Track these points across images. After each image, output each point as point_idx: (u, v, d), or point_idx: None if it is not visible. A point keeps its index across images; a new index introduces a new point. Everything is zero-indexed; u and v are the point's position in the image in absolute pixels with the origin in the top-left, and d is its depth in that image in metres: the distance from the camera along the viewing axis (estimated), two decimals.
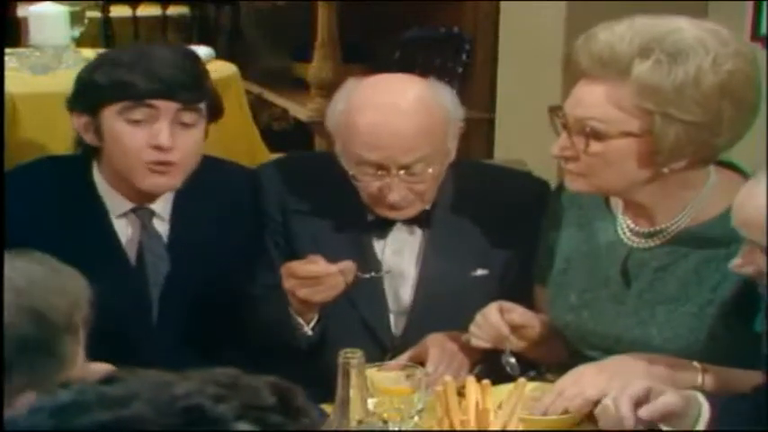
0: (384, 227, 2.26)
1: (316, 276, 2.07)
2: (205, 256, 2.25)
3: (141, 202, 2.21)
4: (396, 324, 2.29)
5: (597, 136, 1.92)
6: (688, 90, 1.86)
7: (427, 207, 2.26)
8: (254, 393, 0.88)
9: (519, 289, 2.25)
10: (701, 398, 1.77)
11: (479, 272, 2.27)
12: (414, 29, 4.79)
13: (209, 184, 2.24)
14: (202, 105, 2.16)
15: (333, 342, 2.20)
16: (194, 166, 2.18)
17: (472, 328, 2.06)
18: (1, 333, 1.23)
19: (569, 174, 1.99)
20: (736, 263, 1.75)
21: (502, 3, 4.11)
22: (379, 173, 2.15)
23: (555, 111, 1.99)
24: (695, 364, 1.92)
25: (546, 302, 2.18)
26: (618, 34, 1.91)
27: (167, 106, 2.10)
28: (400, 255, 2.28)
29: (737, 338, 1.94)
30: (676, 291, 1.99)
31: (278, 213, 2.31)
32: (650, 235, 2.04)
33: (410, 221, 2.27)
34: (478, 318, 2.06)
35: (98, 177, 2.22)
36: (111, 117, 2.12)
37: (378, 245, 2.27)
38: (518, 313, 2.06)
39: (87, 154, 2.21)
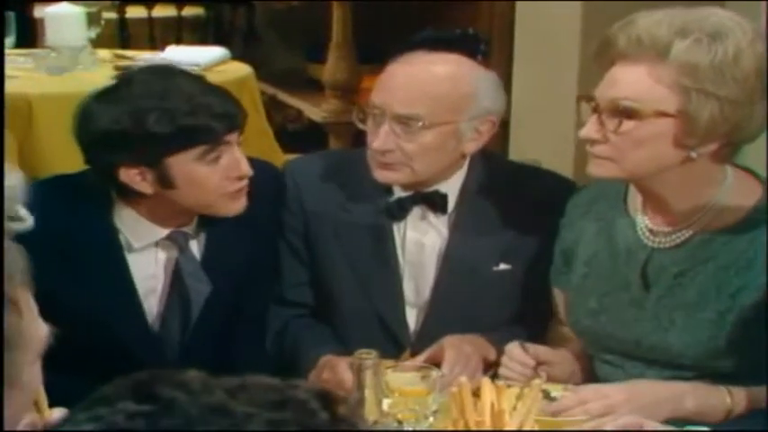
0: (400, 209, 2.27)
1: (343, 385, 2.03)
2: (237, 270, 2.22)
3: (177, 227, 2.16)
4: (415, 317, 2.30)
5: (631, 115, 1.91)
6: (727, 68, 1.87)
7: (442, 190, 2.26)
8: (307, 411, 0.84)
9: (541, 287, 2.25)
10: None
11: (502, 266, 2.27)
12: (428, 29, 4.79)
13: None
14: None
15: (348, 336, 2.21)
16: None
17: (501, 369, 2.06)
18: (1, 334, 1.23)
19: (596, 159, 1.97)
20: None
21: (517, 2, 4.10)
22: (381, 119, 2.18)
23: (584, 98, 1.99)
24: (721, 388, 1.92)
25: (564, 306, 2.18)
26: (656, 18, 1.92)
27: (234, 137, 2.09)
28: (420, 245, 2.28)
29: (757, 346, 1.93)
30: (695, 297, 1.98)
31: (298, 212, 2.32)
32: (669, 234, 2.03)
33: (425, 204, 2.27)
34: (503, 358, 2.06)
35: (125, 209, 2.13)
36: (184, 163, 2.04)
37: (398, 232, 2.28)
38: (542, 350, 2.07)
39: (108, 188, 2.11)
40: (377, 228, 2.28)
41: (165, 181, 2.05)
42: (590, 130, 1.96)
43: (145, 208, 2.12)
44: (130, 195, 2.10)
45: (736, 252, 1.95)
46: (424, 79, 2.19)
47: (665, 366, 1.99)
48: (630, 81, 1.92)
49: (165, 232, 2.15)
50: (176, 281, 2.17)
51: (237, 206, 2.13)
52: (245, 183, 2.11)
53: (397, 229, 2.29)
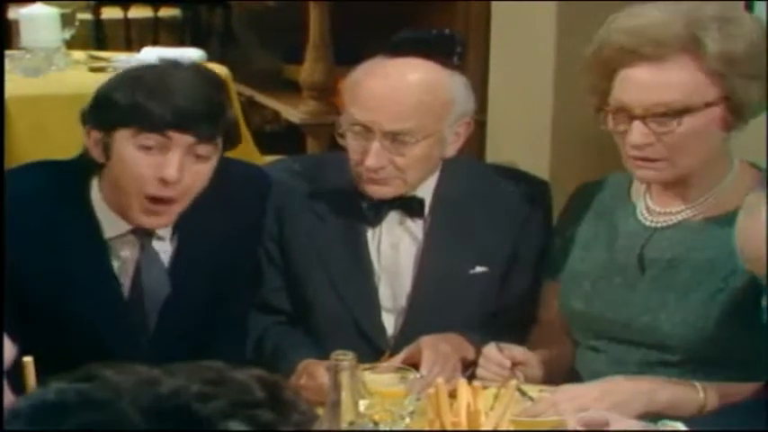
0: (377, 214, 2.26)
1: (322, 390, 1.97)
2: (211, 275, 2.18)
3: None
4: (393, 323, 2.29)
5: (683, 113, 1.95)
6: (756, 48, 1.95)
7: (419, 195, 2.27)
8: (242, 389, 0.85)
9: (518, 288, 2.26)
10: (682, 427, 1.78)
11: (478, 269, 2.27)
12: (405, 30, 4.79)
13: (216, 190, 2.10)
14: (219, 138, 2.06)
15: (326, 342, 2.21)
16: (192, 200, 2.08)
17: (478, 370, 2.06)
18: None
19: (647, 163, 2.00)
20: None
21: (492, 3, 4.10)
22: (366, 136, 2.18)
23: (612, 110, 1.99)
24: (696, 384, 1.93)
25: (556, 295, 2.19)
26: (659, 15, 1.96)
27: (182, 138, 1.99)
28: (396, 250, 2.28)
29: (746, 328, 1.96)
30: (688, 278, 2.02)
31: (273, 217, 2.31)
32: (670, 214, 2.06)
33: (402, 209, 2.26)
34: (480, 359, 2.07)
35: (96, 195, 2.11)
36: (123, 140, 2.02)
37: (373, 237, 2.27)
38: (519, 351, 2.07)
39: (87, 168, 2.10)
40: (351, 233, 2.28)
41: (107, 151, 2.05)
42: (641, 136, 1.97)
43: (107, 191, 2.10)
44: (94, 169, 2.09)
45: (731, 237, 1.97)
46: (407, 92, 2.18)
47: (651, 349, 2.02)
48: (670, 81, 1.95)
49: (128, 227, 2.11)
50: (136, 279, 2.14)
51: (153, 221, 2.07)
52: (170, 195, 2.02)
53: (372, 234, 2.28)
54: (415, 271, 2.28)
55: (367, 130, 2.18)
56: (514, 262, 2.27)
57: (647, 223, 2.08)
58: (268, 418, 0.83)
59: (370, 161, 2.17)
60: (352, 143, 2.21)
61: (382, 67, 2.22)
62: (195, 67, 2.15)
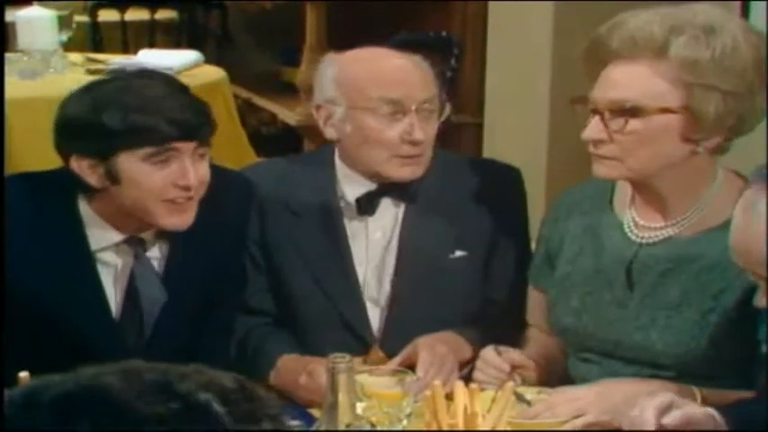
0: (370, 204, 2.28)
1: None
2: (201, 280, 2.19)
3: (134, 232, 2.13)
4: (378, 313, 2.30)
5: (636, 114, 1.94)
6: (727, 61, 1.91)
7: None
8: (217, 377, 0.92)
9: (502, 277, 2.27)
10: (718, 416, 1.77)
11: (458, 253, 2.29)
12: (402, 32, 4.80)
13: (205, 198, 2.13)
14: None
15: (312, 339, 2.21)
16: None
17: (475, 373, 2.06)
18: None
19: (600, 159, 1.99)
20: (763, 301, 1.73)
21: (490, 3, 4.11)
22: (395, 113, 2.20)
23: (579, 101, 2.01)
24: (694, 390, 1.92)
25: (541, 304, 2.19)
26: (647, 18, 1.96)
27: (187, 146, 2.04)
28: (382, 239, 2.29)
29: (738, 346, 1.94)
30: (678, 297, 1.99)
31: (254, 220, 2.31)
32: (657, 229, 2.04)
33: (393, 196, 2.28)
34: (478, 362, 2.07)
35: (84, 207, 2.11)
36: (131, 161, 2.02)
37: (360, 229, 2.28)
38: (517, 354, 2.07)
39: (72, 183, 2.09)
40: (330, 228, 2.29)
41: (111, 176, 2.04)
42: (593, 131, 1.97)
43: (100, 205, 2.10)
44: (85, 189, 2.09)
45: (720, 252, 1.95)
46: (415, 64, 2.26)
47: (644, 366, 2.00)
48: (631, 81, 1.95)
49: (120, 237, 2.12)
50: (131, 288, 2.15)
51: (178, 221, 2.08)
52: (189, 195, 2.06)
53: (359, 225, 2.29)
54: (396, 258, 2.28)
55: (397, 107, 2.20)
56: (494, 247, 2.29)
57: (633, 238, 2.06)
58: (237, 398, 0.91)
59: (418, 134, 2.19)
60: (379, 126, 2.21)
61: (372, 52, 2.30)
62: (161, 76, 2.16)
